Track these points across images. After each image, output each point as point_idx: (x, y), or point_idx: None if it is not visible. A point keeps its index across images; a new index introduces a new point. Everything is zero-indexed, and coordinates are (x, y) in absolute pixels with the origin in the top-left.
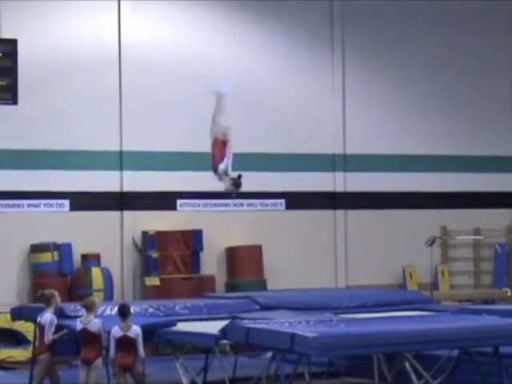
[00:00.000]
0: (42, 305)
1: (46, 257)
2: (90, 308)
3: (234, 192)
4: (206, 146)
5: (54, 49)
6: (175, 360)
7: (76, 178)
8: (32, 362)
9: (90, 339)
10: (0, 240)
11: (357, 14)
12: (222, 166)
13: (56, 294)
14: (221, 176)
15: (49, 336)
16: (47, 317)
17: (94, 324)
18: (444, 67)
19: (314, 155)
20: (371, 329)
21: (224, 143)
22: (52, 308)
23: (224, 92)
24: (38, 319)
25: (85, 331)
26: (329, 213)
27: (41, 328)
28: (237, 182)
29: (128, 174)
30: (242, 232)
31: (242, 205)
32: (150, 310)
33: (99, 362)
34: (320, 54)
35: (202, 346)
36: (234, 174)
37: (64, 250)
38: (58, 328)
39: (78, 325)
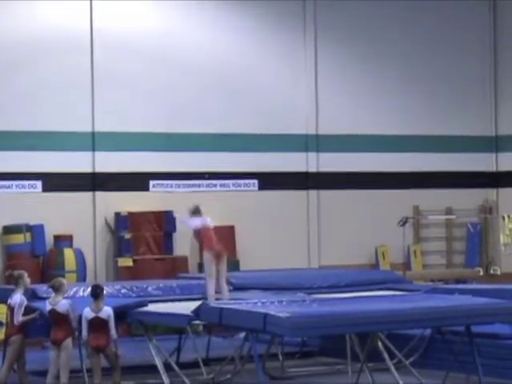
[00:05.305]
0: (13, 286)
1: (19, 238)
2: (57, 289)
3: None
4: (177, 127)
5: (26, 30)
6: (148, 341)
7: (48, 158)
8: (4, 343)
9: (59, 320)
10: None
11: None
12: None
13: (25, 274)
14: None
15: (18, 317)
16: (16, 298)
17: (62, 305)
18: (417, 49)
19: (286, 135)
20: (344, 309)
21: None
22: (21, 289)
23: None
24: (8, 301)
25: (53, 312)
26: (302, 193)
27: (11, 309)
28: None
29: (100, 155)
30: (214, 212)
31: (215, 185)
32: (123, 290)
33: (69, 342)
34: (292, 34)
35: (175, 327)
36: None
37: (36, 231)
38: (30, 309)
39: (47, 306)
